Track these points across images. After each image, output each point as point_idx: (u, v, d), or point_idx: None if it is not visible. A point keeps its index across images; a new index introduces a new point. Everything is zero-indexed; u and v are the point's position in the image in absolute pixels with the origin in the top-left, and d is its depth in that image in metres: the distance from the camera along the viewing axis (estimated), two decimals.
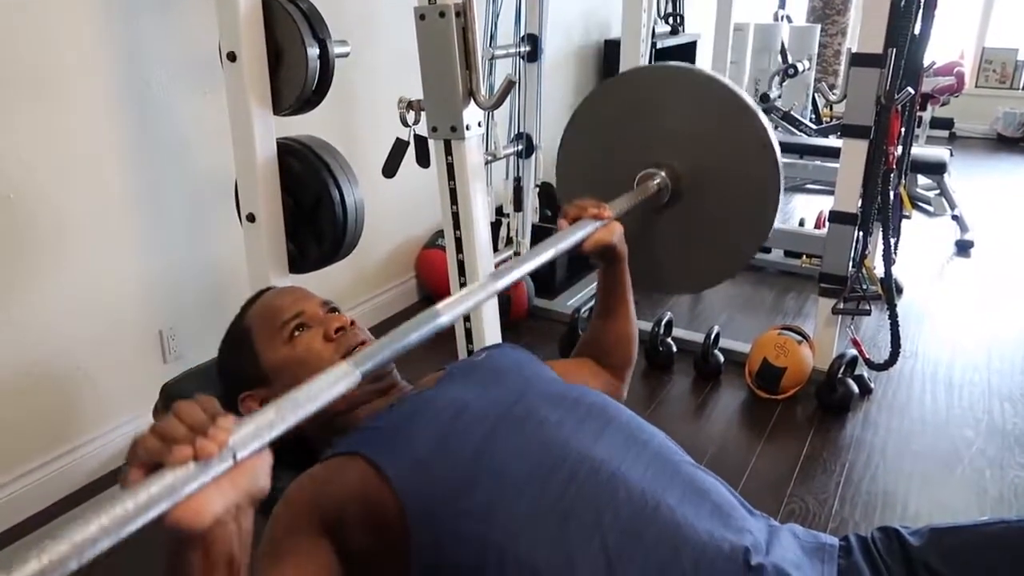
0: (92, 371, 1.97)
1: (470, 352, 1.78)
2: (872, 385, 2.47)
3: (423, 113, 1.69)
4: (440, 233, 2.99)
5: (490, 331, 1.78)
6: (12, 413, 1.83)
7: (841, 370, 2.34)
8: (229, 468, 0.64)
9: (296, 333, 1.06)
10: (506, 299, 2.83)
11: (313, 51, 1.66)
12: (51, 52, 1.76)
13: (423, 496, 0.86)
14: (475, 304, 0.96)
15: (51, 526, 1.75)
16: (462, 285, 1.75)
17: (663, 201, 1.58)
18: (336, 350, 1.04)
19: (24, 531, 1.78)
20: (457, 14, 1.55)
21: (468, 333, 1.79)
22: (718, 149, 1.56)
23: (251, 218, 1.74)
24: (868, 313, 2.42)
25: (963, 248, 3.82)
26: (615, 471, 0.89)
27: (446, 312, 0.88)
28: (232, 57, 1.62)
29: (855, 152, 2.26)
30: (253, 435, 0.66)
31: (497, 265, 1.95)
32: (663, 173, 1.56)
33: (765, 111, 4.32)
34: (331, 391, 0.74)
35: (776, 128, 4.50)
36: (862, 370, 2.45)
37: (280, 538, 0.87)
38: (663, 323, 2.60)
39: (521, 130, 2.84)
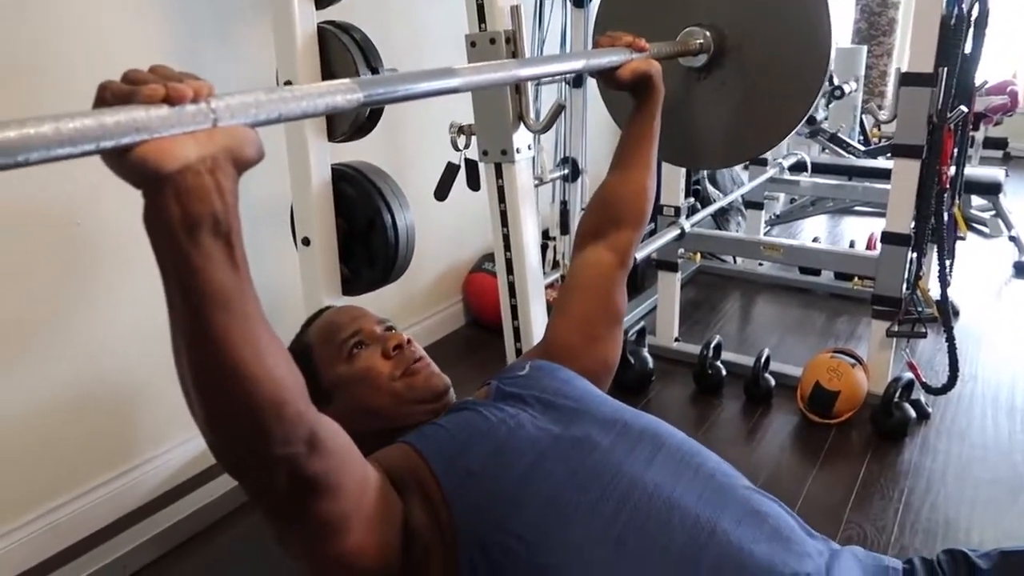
0: (151, 392, 2.02)
1: (518, 352, 1.77)
2: (930, 410, 2.40)
3: (473, 137, 1.72)
4: (487, 257, 3.02)
5: (538, 331, 1.77)
6: (74, 432, 1.88)
7: (897, 394, 2.28)
8: (208, 129, 0.59)
9: (355, 351, 1.08)
10: None
11: None
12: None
13: (471, 508, 0.87)
14: (492, 80, 0.90)
15: (111, 543, 1.80)
16: (513, 307, 1.77)
17: (701, 63, 1.52)
18: (395, 367, 1.06)
19: (85, 548, 1.82)
20: (507, 40, 1.58)
21: (516, 332, 1.79)
22: (767, 20, 1.50)
23: (306, 242, 1.79)
24: (924, 336, 2.36)
25: (1021, 270, 3.72)
26: (668, 496, 0.89)
27: (462, 74, 0.85)
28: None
29: (907, 172, 2.23)
30: (238, 106, 0.62)
31: (547, 288, 1.96)
32: (707, 32, 1.52)
33: (812, 134, 4.31)
34: (326, 99, 0.69)
35: (823, 151, 4.45)
36: (919, 394, 2.38)
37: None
38: (712, 346, 2.58)
39: (567, 154, 2.86)
